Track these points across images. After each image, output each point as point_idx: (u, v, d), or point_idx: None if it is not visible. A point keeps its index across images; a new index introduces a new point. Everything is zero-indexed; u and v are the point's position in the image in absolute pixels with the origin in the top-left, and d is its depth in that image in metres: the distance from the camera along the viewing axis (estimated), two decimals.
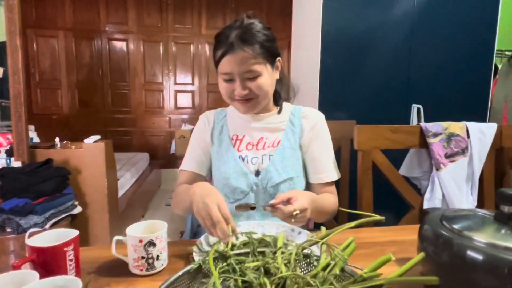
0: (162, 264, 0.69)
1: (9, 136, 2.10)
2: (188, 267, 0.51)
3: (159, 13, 4.22)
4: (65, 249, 0.62)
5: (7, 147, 1.94)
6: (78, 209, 1.84)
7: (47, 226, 1.61)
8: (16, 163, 1.76)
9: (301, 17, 1.88)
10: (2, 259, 1.55)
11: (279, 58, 0.90)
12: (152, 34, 4.23)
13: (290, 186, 0.89)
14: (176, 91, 4.40)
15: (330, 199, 0.91)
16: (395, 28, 1.70)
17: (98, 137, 2.07)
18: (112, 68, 4.19)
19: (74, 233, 0.65)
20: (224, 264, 0.49)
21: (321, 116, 0.96)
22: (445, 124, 1.05)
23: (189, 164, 0.96)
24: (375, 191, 1.04)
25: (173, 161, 4.48)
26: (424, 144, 1.07)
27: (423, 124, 1.06)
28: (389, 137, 1.03)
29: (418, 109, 1.60)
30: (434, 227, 0.56)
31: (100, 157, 1.97)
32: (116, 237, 0.69)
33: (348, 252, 0.51)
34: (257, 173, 0.90)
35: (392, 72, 1.71)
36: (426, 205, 1.04)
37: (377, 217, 0.59)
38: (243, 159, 0.92)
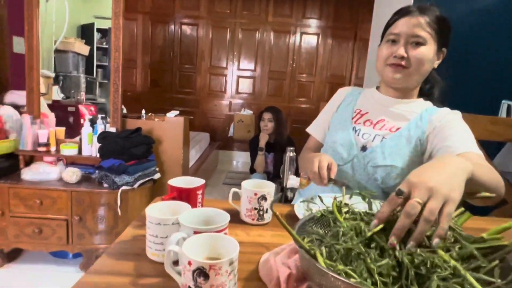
0: (269, 217, 0.79)
1: (92, 108, 2.38)
2: (313, 214, 0.60)
3: (229, 0, 4.37)
4: (197, 192, 0.75)
5: (90, 117, 2.21)
6: (158, 175, 2.06)
7: (135, 185, 1.83)
8: (111, 129, 2.01)
9: (387, 6, 1.85)
10: (99, 209, 1.80)
11: (445, 49, 0.90)
12: (221, 20, 4.40)
13: (390, 174, 0.87)
14: (238, 76, 4.55)
15: (485, 168, 0.68)
16: (490, 18, 1.61)
17: (177, 112, 2.27)
18: (182, 51, 4.45)
19: (201, 181, 0.77)
20: (347, 214, 0.57)
21: (455, 111, 0.90)
22: None
23: (315, 129, 1.09)
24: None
25: (230, 144, 4.68)
26: None
27: None
28: (488, 128, 1.02)
29: (509, 105, 1.52)
30: None
31: (179, 130, 2.16)
32: (233, 189, 0.81)
33: (462, 220, 0.55)
34: (363, 148, 0.93)
35: (484, 63, 1.64)
36: None
37: (487, 194, 0.61)
38: (355, 131, 0.96)
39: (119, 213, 1.79)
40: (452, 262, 0.43)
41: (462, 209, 0.56)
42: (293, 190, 1.79)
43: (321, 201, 0.63)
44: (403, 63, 0.86)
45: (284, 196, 1.90)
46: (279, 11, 4.38)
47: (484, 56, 1.71)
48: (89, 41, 2.96)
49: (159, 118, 2.17)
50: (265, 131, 2.59)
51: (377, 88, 1.01)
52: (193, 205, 0.73)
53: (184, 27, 4.42)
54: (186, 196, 0.73)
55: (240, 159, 4.66)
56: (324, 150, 1.03)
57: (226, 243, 0.50)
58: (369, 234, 0.48)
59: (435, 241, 0.45)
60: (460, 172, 0.51)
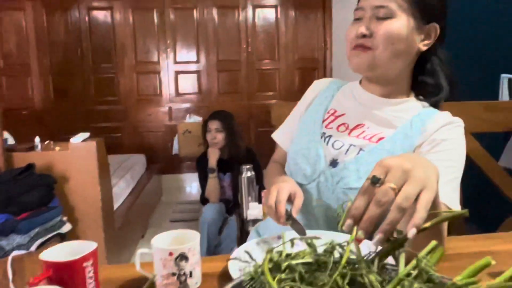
0: (196, 283, 0.76)
1: None
2: (237, 280, 0.57)
3: None
4: (85, 264, 0.70)
5: None
6: (67, 227, 1.96)
7: (32, 248, 1.73)
8: None
9: None
10: None
11: (435, 24, 0.89)
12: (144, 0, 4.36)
13: None
14: (177, 72, 4.50)
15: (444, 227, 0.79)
16: None
17: (86, 134, 2.19)
18: (94, 46, 4.33)
19: (91, 245, 0.73)
20: (283, 274, 0.55)
21: (457, 122, 0.90)
22: None
23: (281, 136, 1.15)
24: (465, 189, 1.05)
25: (177, 164, 4.60)
26: None
27: None
28: (483, 116, 1.06)
29: (509, 79, 1.60)
30: None
31: (91, 160, 2.08)
32: (141, 250, 0.77)
33: (435, 258, 0.55)
34: (333, 163, 0.93)
35: (477, 36, 1.73)
36: None
37: (458, 211, 0.60)
38: (325, 138, 0.97)
39: None
40: None
41: (434, 242, 0.56)
42: (256, 222, 1.77)
43: (250, 256, 0.61)
44: (366, 43, 0.87)
45: (245, 233, 1.88)
46: None
47: (477, 27, 1.81)
48: None
49: (61, 146, 2.09)
50: (215, 146, 2.57)
51: (361, 82, 1.02)
52: (81, 285, 0.69)
53: (93, 13, 4.32)
54: (69, 274, 0.68)
55: (193, 183, 4.59)
56: (287, 164, 1.04)
57: None
58: (350, 240, 0.52)
59: (411, 231, 0.50)
60: (433, 169, 0.58)
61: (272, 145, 1.63)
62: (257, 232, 1.14)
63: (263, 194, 1.67)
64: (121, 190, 3.02)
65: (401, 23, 0.86)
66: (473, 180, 1.14)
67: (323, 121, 1.01)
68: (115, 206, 2.70)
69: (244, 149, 2.64)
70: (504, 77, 1.63)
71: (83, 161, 2.08)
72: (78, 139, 2.11)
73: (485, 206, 1.46)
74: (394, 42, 0.86)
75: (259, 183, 2.36)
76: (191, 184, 4.61)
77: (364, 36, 0.87)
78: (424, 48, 0.91)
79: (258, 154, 2.76)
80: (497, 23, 1.79)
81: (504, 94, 1.64)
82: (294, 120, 1.11)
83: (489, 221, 1.42)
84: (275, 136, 1.17)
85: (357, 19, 0.90)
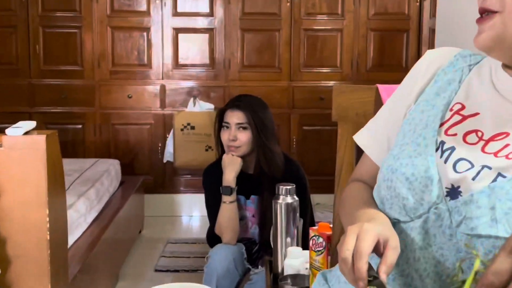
0: None
1: None
2: None
3: None
4: None
5: None
6: None
7: None
8: None
9: None
10: None
11: None
12: None
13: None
14: (177, 30, 4.53)
15: None
16: None
17: (31, 123, 2.19)
18: None
19: None
20: None
21: None
22: None
23: (369, 141, 1.20)
24: None
25: (170, 178, 4.61)
26: None
27: None
28: None
29: None
30: None
31: (38, 164, 2.06)
32: None
33: None
34: (453, 192, 0.93)
35: None
36: None
37: None
38: (442, 152, 0.97)
39: None
40: None
41: None
42: (298, 280, 1.76)
43: None
44: (492, 6, 0.89)
45: None
46: None
47: None
48: None
49: None
50: (235, 151, 2.54)
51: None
52: None
53: None
54: None
55: (195, 210, 4.60)
56: (377, 186, 1.07)
57: None
58: None
59: None
60: None
61: (330, 152, 1.59)
62: (324, 277, 1.18)
63: (311, 232, 1.67)
64: (79, 216, 3.01)
65: None
66: None
67: (442, 124, 1.00)
68: (70, 241, 2.69)
69: (282, 159, 2.61)
70: None
71: (25, 166, 2.06)
72: (17, 130, 2.10)
73: None
74: None
75: (305, 215, 2.32)
76: (191, 211, 4.61)
77: None
78: None
79: (304, 168, 2.73)
80: None
81: None
82: (392, 115, 1.14)
83: None
84: (359, 138, 1.21)
85: None
